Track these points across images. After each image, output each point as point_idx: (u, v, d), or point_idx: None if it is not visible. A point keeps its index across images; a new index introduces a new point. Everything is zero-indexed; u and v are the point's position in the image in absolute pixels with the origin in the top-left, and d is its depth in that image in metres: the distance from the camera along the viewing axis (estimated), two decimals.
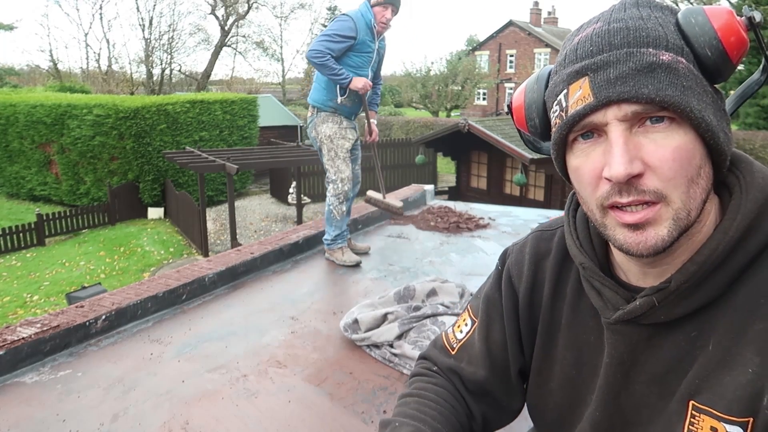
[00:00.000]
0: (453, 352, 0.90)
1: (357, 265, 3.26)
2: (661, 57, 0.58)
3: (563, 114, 0.63)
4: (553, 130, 0.66)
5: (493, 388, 0.86)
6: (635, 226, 0.61)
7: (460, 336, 0.91)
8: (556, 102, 0.65)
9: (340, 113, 3.24)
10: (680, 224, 0.60)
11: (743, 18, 0.60)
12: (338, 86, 3.15)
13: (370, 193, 3.71)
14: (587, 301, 0.74)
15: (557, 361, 0.78)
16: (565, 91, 0.63)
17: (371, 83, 3.25)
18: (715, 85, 0.64)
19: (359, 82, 3.13)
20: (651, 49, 0.59)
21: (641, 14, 0.62)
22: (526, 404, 0.87)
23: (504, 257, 0.89)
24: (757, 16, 0.59)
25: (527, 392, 0.85)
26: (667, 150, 0.58)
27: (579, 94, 0.61)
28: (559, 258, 0.80)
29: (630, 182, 0.59)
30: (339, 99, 3.17)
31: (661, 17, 0.62)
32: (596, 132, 0.62)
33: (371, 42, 3.20)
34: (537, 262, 0.82)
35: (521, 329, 0.83)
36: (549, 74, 0.70)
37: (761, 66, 0.66)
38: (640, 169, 0.59)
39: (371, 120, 3.42)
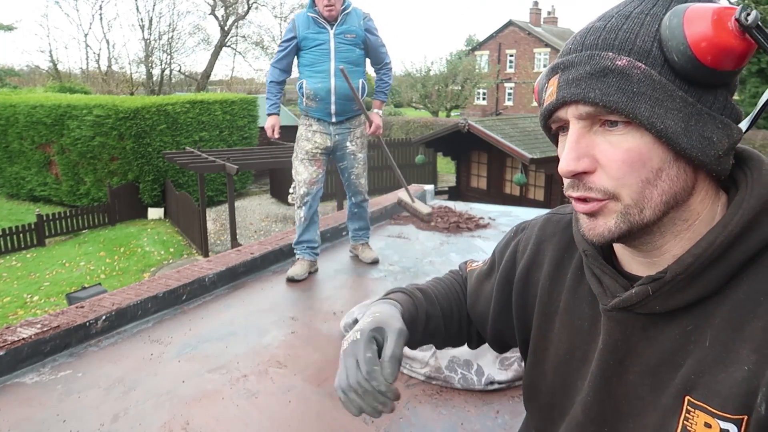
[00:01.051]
0: (467, 270, 1.06)
1: (292, 281, 3.04)
2: (616, 62, 0.60)
3: (541, 106, 0.69)
4: None
5: (471, 314, 1.00)
6: (589, 214, 0.65)
7: (474, 264, 1.05)
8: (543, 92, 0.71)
9: (310, 116, 3.11)
10: (630, 219, 0.63)
11: (733, 20, 0.57)
12: (300, 89, 3.05)
13: (401, 194, 3.60)
14: (585, 287, 0.76)
15: (552, 343, 0.80)
16: (545, 84, 0.68)
17: (276, 132, 3.07)
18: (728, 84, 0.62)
19: (268, 123, 3.07)
20: (611, 53, 0.61)
21: (634, 10, 0.63)
22: (523, 388, 0.89)
23: (519, 228, 0.95)
24: (750, 17, 0.56)
25: (525, 372, 0.87)
26: (618, 151, 0.61)
27: (551, 90, 0.66)
28: (562, 243, 0.82)
29: (579, 178, 0.64)
30: (304, 101, 3.07)
31: (656, 14, 0.62)
32: (567, 127, 0.66)
33: (318, 33, 2.97)
34: (540, 243, 0.86)
35: (513, 301, 0.88)
36: None
37: None
38: (586, 167, 0.63)
39: (375, 110, 3.18)
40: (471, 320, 1.00)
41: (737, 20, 0.56)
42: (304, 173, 3.13)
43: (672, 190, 0.62)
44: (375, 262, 3.34)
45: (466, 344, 1.03)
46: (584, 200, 0.65)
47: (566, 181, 0.66)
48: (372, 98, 3.19)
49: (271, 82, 3.09)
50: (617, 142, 0.61)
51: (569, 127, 0.65)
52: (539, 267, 0.84)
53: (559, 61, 0.66)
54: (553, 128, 0.69)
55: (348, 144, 3.16)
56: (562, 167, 0.63)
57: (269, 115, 3.11)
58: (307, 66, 3.03)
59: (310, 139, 3.10)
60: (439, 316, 0.95)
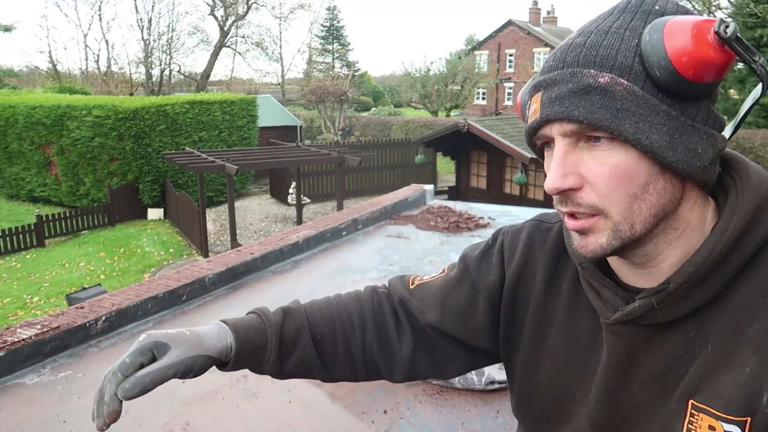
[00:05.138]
0: (411, 287, 0.94)
1: None
2: (599, 79, 0.60)
3: (525, 123, 0.69)
4: None
5: (432, 335, 0.89)
6: (580, 231, 0.66)
7: (425, 278, 0.94)
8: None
9: None
10: (621, 236, 0.63)
11: (712, 32, 0.57)
12: None
13: None
14: (583, 299, 0.75)
15: (548, 355, 0.79)
16: (528, 101, 0.68)
17: None
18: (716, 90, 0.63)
19: None
20: (593, 71, 0.61)
21: (612, 25, 0.63)
22: (513, 399, 0.87)
23: (497, 235, 0.91)
24: (729, 30, 0.56)
25: (515, 386, 0.85)
26: (604, 167, 0.62)
27: (534, 108, 0.66)
28: (555, 253, 0.81)
29: (567, 194, 0.64)
30: None
31: (635, 28, 0.62)
32: (552, 143, 0.66)
33: None
34: (529, 252, 0.84)
35: (502, 311, 0.84)
36: None
37: (759, 85, 0.64)
38: (572, 184, 0.63)
39: None
40: (392, 351, 0.89)
41: (716, 33, 0.57)
42: None
43: (660, 202, 0.62)
44: None
45: (382, 377, 0.91)
46: (574, 216, 0.65)
47: (555, 197, 0.66)
48: None
49: None
50: (603, 158, 0.62)
51: (554, 143, 0.65)
52: (530, 277, 0.82)
53: (540, 79, 0.66)
54: (537, 144, 0.70)
55: None
56: (548, 185, 0.64)
57: None
58: None
59: None
60: (310, 344, 0.85)
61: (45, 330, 2.23)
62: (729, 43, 0.57)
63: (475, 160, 16.77)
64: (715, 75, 0.59)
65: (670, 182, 0.62)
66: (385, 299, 0.94)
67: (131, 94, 28.23)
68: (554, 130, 0.64)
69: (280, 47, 37.57)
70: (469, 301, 0.87)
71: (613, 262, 0.72)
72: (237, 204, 14.76)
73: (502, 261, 0.86)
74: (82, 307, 2.50)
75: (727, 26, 0.57)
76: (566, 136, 0.63)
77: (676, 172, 0.61)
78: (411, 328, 0.90)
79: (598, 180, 0.62)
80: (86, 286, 9.35)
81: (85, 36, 45.50)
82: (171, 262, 11.64)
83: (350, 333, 0.90)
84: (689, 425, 0.61)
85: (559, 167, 0.63)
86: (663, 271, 0.66)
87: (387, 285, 0.98)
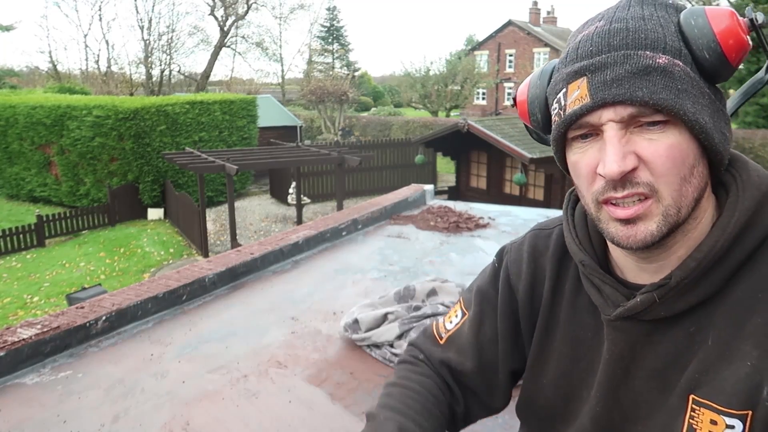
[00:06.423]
0: (441, 342, 0.91)
1: None
2: (657, 60, 0.60)
3: (561, 112, 0.65)
4: (553, 127, 0.68)
5: (477, 381, 0.87)
6: (626, 221, 0.63)
7: (449, 326, 0.92)
8: (555, 100, 0.67)
9: None
10: (669, 220, 0.62)
11: (745, 19, 0.60)
12: None
13: None
14: (585, 298, 0.75)
15: (553, 356, 0.79)
16: (564, 89, 0.65)
17: None
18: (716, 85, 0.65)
19: None
20: (648, 52, 0.60)
21: (643, 14, 0.63)
22: (517, 400, 0.87)
23: (501, 255, 0.90)
24: (760, 17, 0.60)
25: (521, 387, 0.86)
26: (660, 147, 0.60)
27: (577, 94, 0.63)
28: (557, 255, 0.81)
29: (624, 177, 0.61)
30: None
31: (664, 17, 0.63)
32: (594, 132, 0.63)
33: None
34: (535, 259, 0.83)
35: (522, 328, 0.84)
36: (552, 70, 0.72)
37: (766, 65, 0.67)
38: (633, 164, 0.61)
39: None
40: (453, 419, 0.87)
41: (751, 20, 0.60)
42: None
43: (700, 186, 0.63)
44: None
45: None
46: (625, 204, 0.62)
47: (599, 185, 0.63)
48: None
49: None
50: (658, 139, 0.61)
51: (602, 132, 0.62)
52: (540, 284, 0.82)
53: (585, 63, 0.62)
54: (569, 137, 0.66)
55: None
56: (611, 169, 0.60)
57: None
58: None
59: None
60: None
61: (45, 330, 2.23)
62: (759, 30, 0.60)
63: (475, 160, 16.77)
64: (741, 61, 0.61)
65: (705, 166, 0.63)
66: (435, 374, 0.90)
67: (131, 94, 28.22)
68: (605, 116, 0.61)
69: (280, 47, 37.62)
70: (496, 329, 0.86)
71: (620, 258, 0.72)
72: (237, 204, 14.76)
73: (509, 279, 0.85)
74: (82, 307, 2.50)
75: (758, 14, 0.60)
76: (620, 121, 0.60)
77: (716, 154, 0.62)
78: (459, 388, 0.89)
79: (656, 159, 0.60)
80: (86, 286, 9.35)
81: (86, 36, 45.56)
82: (171, 262, 11.64)
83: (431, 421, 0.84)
84: (690, 420, 0.62)
85: (618, 150, 0.60)
86: (671, 263, 0.66)
87: (420, 350, 0.94)
